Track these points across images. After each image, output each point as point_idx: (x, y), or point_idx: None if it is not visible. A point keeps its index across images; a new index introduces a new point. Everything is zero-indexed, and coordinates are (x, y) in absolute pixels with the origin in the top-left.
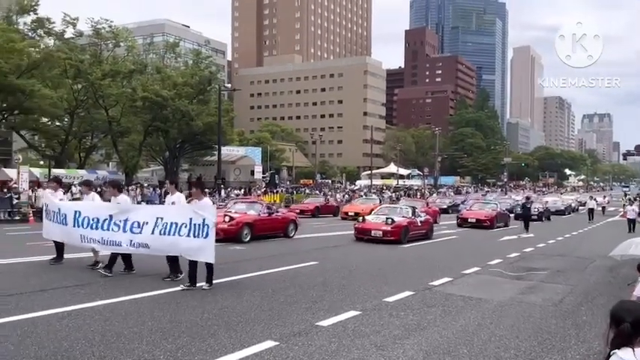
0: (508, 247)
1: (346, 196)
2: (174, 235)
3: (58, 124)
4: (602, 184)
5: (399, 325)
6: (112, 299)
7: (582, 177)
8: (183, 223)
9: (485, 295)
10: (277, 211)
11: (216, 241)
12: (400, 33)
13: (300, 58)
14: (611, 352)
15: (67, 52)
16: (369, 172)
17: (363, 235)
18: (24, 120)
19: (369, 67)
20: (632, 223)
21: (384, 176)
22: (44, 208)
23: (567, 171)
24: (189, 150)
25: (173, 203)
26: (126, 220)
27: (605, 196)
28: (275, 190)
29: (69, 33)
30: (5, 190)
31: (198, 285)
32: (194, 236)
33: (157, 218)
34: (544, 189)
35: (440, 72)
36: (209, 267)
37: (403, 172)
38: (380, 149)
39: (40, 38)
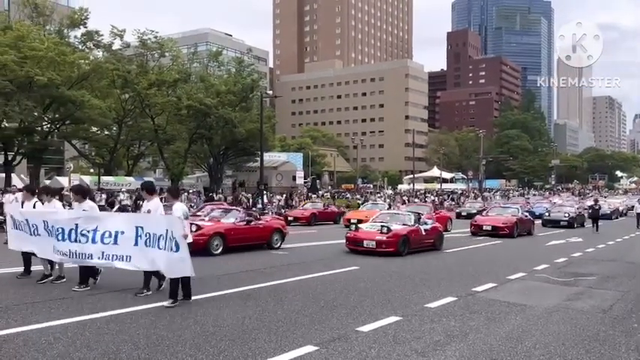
0: (555, 252)
1: (387, 200)
2: (156, 247)
3: (107, 133)
4: None
5: (440, 331)
6: (157, 303)
7: (635, 179)
8: (161, 235)
9: (531, 301)
10: (259, 219)
11: None
12: (442, 36)
13: (341, 63)
14: None
15: (115, 63)
16: (412, 176)
17: (355, 246)
18: (75, 129)
19: (410, 70)
20: None
21: (427, 180)
22: (8, 218)
23: (619, 173)
24: (232, 156)
25: (149, 211)
26: (95, 230)
27: None
28: (316, 195)
29: (116, 44)
30: (58, 198)
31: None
32: (170, 249)
33: (137, 227)
34: (594, 192)
35: (483, 73)
36: (176, 282)
37: (446, 175)
38: (422, 153)
39: (90, 50)
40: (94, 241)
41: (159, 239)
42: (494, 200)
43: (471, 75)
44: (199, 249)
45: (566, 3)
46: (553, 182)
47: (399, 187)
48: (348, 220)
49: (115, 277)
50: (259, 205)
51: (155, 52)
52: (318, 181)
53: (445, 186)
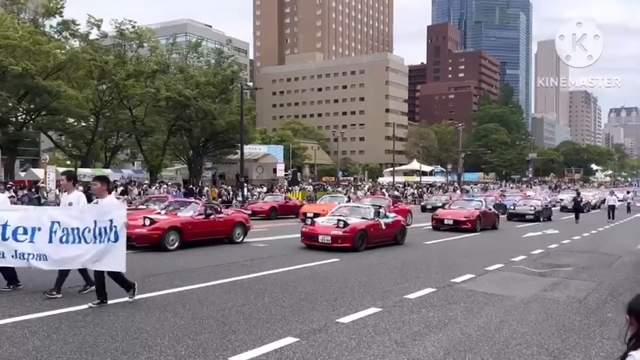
0: (532, 244)
1: (368, 193)
2: (78, 242)
3: (83, 124)
4: (629, 179)
5: (419, 321)
6: (136, 296)
7: (609, 172)
8: (86, 227)
9: (508, 291)
10: (220, 212)
11: (134, 248)
12: (422, 30)
13: (322, 55)
14: (628, 354)
15: (92, 54)
16: (392, 169)
17: (311, 242)
18: (51, 121)
19: (390, 64)
20: None
21: (406, 173)
22: None
23: (594, 166)
24: (212, 148)
25: (70, 204)
26: (5, 225)
27: (629, 192)
28: (296, 188)
29: (93, 34)
30: (33, 190)
31: (121, 299)
32: (100, 241)
33: (53, 222)
34: (569, 184)
35: (463, 67)
36: (117, 277)
37: (426, 168)
38: (402, 146)
39: (66, 40)
40: (4, 237)
41: (83, 232)
42: (471, 193)
43: (450, 69)
44: (154, 244)
45: None
46: (530, 175)
47: (380, 179)
48: (304, 213)
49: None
50: (239, 198)
51: (133, 42)
52: (298, 173)
53: (425, 179)
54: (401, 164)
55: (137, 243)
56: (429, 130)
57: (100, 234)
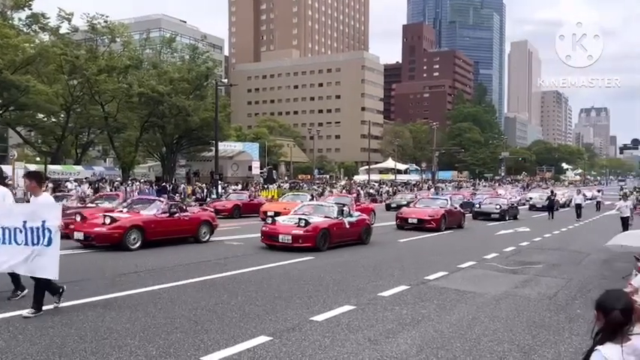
0: (504, 241)
1: (343, 191)
2: (9, 243)
3: (54, 120)
4: (598, 178)
5: (393, 319)
6: (106, 295)
7: (579, 171)
8: (16, 228)
9: (480, 289)
10: (185, 210)
11: (94, 248)
12: (398, 29)
13: (298, 53)
14: (594, 349)
15: (63, 48)
16: (367, 167)
17: (271, 241)
18: (19, 116)
19: (366, 62)
20: (625, 221)
21: (382, 171)
22: None
23: (564, 165)
24: (186, 145)
25: None
26: None
27: (599, 190)
28: (274, 186)
29: (64, 28)
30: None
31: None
32: (32, 244)
33: None
34: (541, 182)
35: (437, 67)
36: (46, 284)
37: (401, 167)
38: (378, 144)
39: (35, 34)
40: None
41: (14, 233)
42: (445, 191)
43: (425, 68)
44: (114, 243)
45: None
46: (502, 174)
47: (355, 177)
48: (265, 212)
49: (65, 269)
50: (214, 196)
51: (105, 37)
52: (274, 171)
53: (400, 177)
54: (376, 162)
55: (97, 242)
56: (403, 129)
57: (32, 236)
